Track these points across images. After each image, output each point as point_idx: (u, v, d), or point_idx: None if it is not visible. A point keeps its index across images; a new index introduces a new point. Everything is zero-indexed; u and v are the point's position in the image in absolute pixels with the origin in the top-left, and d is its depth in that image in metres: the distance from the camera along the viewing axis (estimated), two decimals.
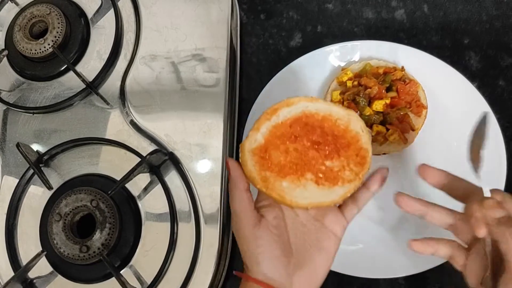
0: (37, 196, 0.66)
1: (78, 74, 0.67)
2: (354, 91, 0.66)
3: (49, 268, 0.63)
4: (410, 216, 0.63)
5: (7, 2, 0.74)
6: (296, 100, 0.51)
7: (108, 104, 0.68)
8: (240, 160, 0.51)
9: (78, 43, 0.70)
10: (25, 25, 0.70)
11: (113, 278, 0.59)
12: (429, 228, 0.62)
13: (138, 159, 0.63)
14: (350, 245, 0.64)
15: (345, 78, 0.68)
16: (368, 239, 0.64)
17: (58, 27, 0.69)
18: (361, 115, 0.65)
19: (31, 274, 0.63)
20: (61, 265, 0.63)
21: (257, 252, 0.50)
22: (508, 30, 0.70)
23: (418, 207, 0.52)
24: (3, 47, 0.72)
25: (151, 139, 0.66)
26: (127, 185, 0.64)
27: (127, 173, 0.61)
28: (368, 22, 0.73)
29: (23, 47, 0.69)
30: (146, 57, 0.69)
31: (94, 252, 0.59)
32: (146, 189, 0.64)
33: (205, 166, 0.64)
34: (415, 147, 0.65)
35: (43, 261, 0.63)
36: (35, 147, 0.68)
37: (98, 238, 0.59)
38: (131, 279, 0.61)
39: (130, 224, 0.62)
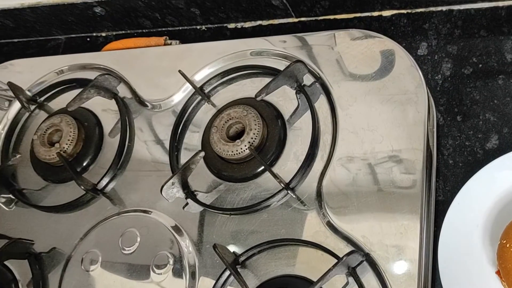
0: None
1: (275, 176, 0.68)
2: None
3: None
4: None
5: (204, 104, 0.78)
6: None
7: (304, 205, 0.68)
8: None
9: (275, 144, 0.71)
10: (222, 127, 0.72)
11: None
12: None
13: (335, 260, 0.61)
14: None
15: None
16: None
17: (255, 129, 0.70)
18: None
19: None
20: None
21: None
22: None
23: None
24: (200, 149, 0.74)
25: (348, 240, 0.64)
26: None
27: (323, 274, 0.59)
28: None
29: (220, 149, 0.70)
30: (342, 158, 0.69)
31: None
32: None
33: (401, 268, 0.62)
34: None
35: None
36: (232, 248, 0.68)
37: None
38: None
39: None
